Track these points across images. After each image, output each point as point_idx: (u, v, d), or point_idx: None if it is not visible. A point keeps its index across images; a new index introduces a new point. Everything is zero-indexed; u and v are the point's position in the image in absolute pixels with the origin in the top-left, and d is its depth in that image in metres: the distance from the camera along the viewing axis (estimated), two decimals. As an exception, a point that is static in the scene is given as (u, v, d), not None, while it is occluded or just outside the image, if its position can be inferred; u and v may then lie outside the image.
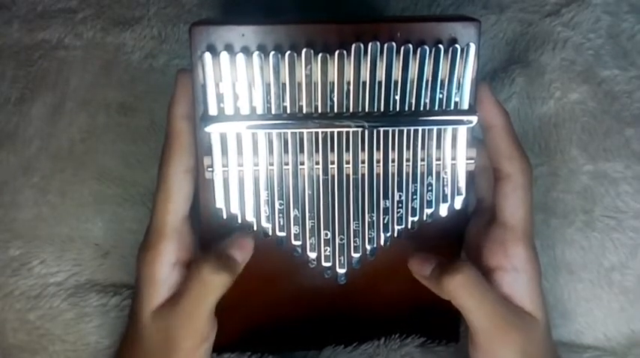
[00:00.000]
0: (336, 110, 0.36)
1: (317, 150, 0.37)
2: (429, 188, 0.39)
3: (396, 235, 0.39)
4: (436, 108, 0.37)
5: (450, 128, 0.38)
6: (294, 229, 0.38)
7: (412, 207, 0.39)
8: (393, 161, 0.38)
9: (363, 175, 0.38)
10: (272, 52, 0.35)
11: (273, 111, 0.36)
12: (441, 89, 0.37)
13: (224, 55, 0.35)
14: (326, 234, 0.39)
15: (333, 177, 0.38)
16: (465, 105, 0.37)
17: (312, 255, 0.39)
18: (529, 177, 0.38)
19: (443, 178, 0.38)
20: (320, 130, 0.37)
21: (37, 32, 0.51)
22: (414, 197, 0.39)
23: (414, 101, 0.37)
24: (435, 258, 0.38)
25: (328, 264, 0.39)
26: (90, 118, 0.50)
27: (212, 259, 0.36)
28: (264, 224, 0.38)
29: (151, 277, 0.37)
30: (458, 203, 0.39)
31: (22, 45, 0.51)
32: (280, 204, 0.38)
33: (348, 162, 0.37)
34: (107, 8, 0.52)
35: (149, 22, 0.51)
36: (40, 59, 0.51)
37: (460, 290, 0.36)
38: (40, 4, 0.52)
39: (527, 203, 0.38)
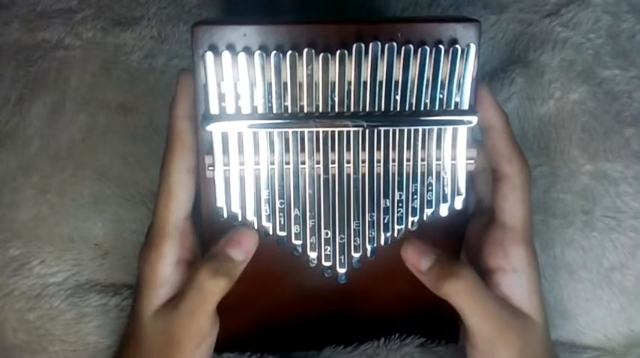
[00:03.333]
0: (337, 110, 0.37)
1: (318, 150, 0.37)
2: (429, 188, 0.39)
3: (396, 235, 0.39)
4: (436, 108, 0.37)
5: (450, 128, 0.38)
6: (294, 228, 0.38)
7: (412, 207, 0.39)
8: (393, 161, 0.38)
9: (363, 175, 0.38)
10: (273, 52, 0.35)
11: (274, 111, 0.36)
12: (441, 89, 0.37)
13: (226, 55, 0.35)
14: (326, 234, 0.39)
15: (333, 176, 0.38)
16: (465, 106, 0.37)
17: (313, 255, 0.39)
18: (527, 178, 0.38)
19: (443, 178, 0.39)
20: (321, 130, 0.37)
21: (36, 32, 0.51)
22: (415, 197, 0.39)
23: (414, 101, 0.37)
24: (434, 252, 0.37)
25: (328, 264, 0.39)
26: (90, 118, 0.50)
27: (209, 264, 0.36)
28: (265, 223, 0.38)
29: (153, 277, 0.37)
30: (458, 203, 0.39)
31: (22, 45, 0.51)
32: (281, 203, 0.38)
33: (348, 162, 0.37)
34: (107, 8, 0.52)
35: (149, 22, 0.51)
36: (39, 59, 0.51)
37: (461, 296, 0.36)
38: (39, 4, 0.52)
39: (526, 204, 0.38)
